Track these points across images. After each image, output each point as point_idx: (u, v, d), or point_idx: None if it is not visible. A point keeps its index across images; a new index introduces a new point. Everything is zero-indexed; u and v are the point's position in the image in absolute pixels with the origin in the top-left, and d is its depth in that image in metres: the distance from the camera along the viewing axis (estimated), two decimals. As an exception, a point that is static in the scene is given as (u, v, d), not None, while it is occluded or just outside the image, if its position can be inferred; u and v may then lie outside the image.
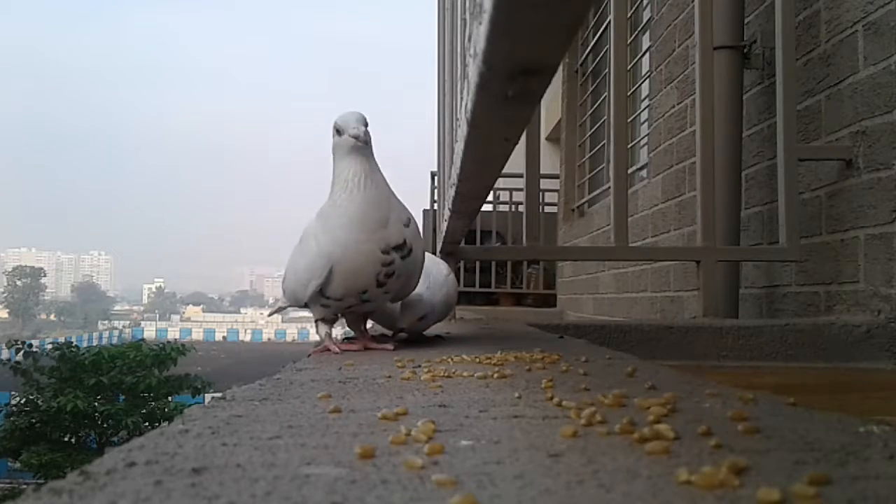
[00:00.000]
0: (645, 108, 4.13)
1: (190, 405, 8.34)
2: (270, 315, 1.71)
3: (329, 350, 1.36)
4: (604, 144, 4.38)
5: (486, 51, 0.63)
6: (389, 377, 0.98)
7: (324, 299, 1.39)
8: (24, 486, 8.28)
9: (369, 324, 1.61)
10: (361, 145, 1.33)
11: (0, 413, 9.89)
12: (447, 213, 2.12)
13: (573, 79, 5.55)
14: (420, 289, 1.51)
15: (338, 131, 1.35)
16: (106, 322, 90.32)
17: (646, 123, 4.09)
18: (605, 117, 3.56)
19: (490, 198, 5.92)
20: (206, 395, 9.88)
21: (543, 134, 7.45)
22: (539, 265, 6.22)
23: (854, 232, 1.98)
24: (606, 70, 3.30)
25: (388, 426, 0.63)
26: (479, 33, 0.65)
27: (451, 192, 1.67)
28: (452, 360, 1.16)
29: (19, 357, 9.67)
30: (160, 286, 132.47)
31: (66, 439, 9.71)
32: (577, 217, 5.49)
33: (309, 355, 1.32)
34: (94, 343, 22.18)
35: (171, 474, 0.46)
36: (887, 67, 1.86)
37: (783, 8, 2.08)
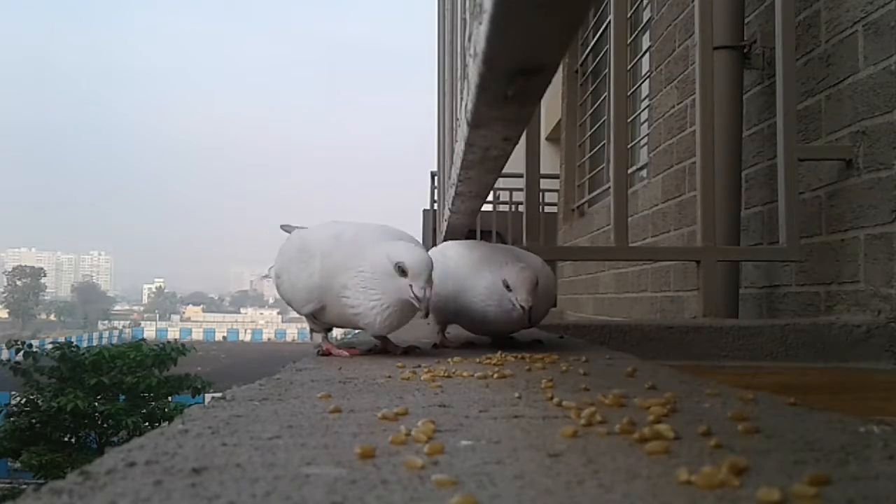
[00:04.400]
0: (645, 108, 4.13)
1: (190, 405, 8.32)
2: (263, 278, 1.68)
3: (331, 353, 1.34)
4: (604, 144, 4.38)
5: (486, 51, 0.63)
6: (389, 377, 0.98)
7: (316, 320, 1.39)
8: (24, 486, 8.28)
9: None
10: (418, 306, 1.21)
11: (0, 413, 9.89)
12: (447, 213, 2.12)
13: (573, 79, 5.54)
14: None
15: (401, 270, 1.21)
16: (106, 322, 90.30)
17: (646, 123, 4.09)
18: (605, 117, 3.56)
19: (490, 198, 5.91)
20: (206, 395, 9.86)
21: (543, 134, 7.45)
22: (539, 265, 6.20)
23: (854, 232, 1.98)
24: (606, 70, 3.30)
25: (388, 426, 0.63)
26: (479, 33, 0.65)
27: (451, 192, 1.67)
28: (452, 360, 1.16)
29: (19, 357, 9.66)
30: (160, 286, 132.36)
31: (66, 439, 9.69)
32: (577, 217, 5.49)
33: (324, 354, 1.31)
34: (95, 343, 22.19)
35: (171, 474, 0.46)
36: (887, 67, 1.86)
37: (783, 8, 2.08)
